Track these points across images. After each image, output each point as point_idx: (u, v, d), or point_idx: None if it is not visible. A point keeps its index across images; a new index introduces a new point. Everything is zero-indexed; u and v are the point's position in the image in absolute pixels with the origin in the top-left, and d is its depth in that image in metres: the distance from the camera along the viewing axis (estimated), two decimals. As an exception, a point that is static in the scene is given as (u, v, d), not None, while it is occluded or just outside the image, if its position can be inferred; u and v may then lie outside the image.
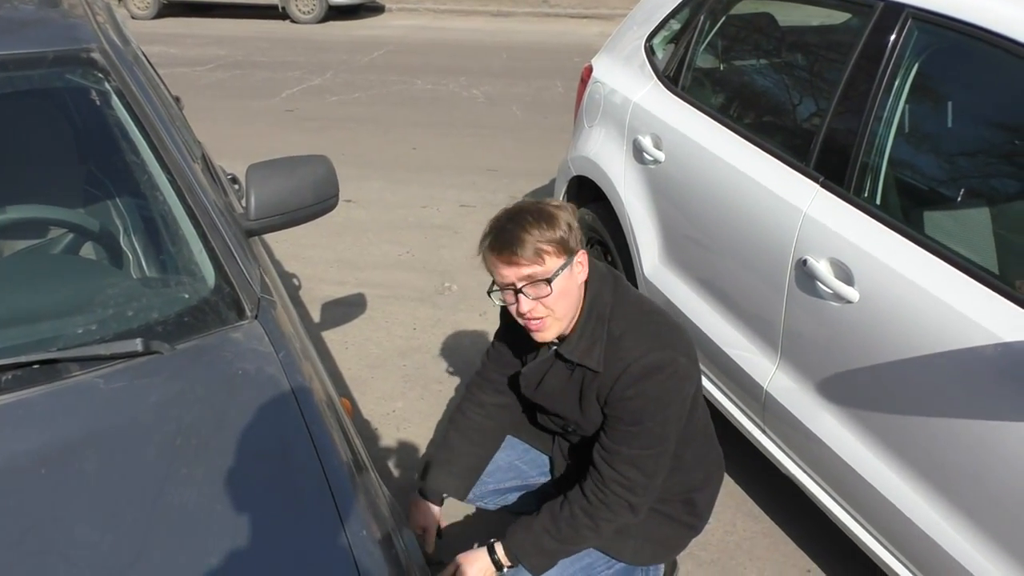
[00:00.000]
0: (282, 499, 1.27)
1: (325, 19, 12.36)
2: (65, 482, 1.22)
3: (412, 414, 3.03)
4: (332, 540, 1.22)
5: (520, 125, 6.86)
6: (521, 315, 1.68)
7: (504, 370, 2.00)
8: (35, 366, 1.39)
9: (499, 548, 1.78)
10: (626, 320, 1.72)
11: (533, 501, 2.07)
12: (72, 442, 1.29)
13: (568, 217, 1.68)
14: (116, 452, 1.28)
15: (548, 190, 5.21)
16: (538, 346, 1.85)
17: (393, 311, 3.76)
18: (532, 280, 1.64)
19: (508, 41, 10.89)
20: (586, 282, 1.74)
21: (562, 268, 1.65)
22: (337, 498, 1.28)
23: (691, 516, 1.92)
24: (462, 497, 2.01)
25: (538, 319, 1.68)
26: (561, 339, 1.77)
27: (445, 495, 1.99)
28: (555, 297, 1.65)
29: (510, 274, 1.65)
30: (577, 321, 1.74)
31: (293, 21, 12.29)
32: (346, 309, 3.77)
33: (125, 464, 1.26)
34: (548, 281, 1.63)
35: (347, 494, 1.29)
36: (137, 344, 1.45)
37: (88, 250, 1.83)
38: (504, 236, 1.64)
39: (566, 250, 1.65)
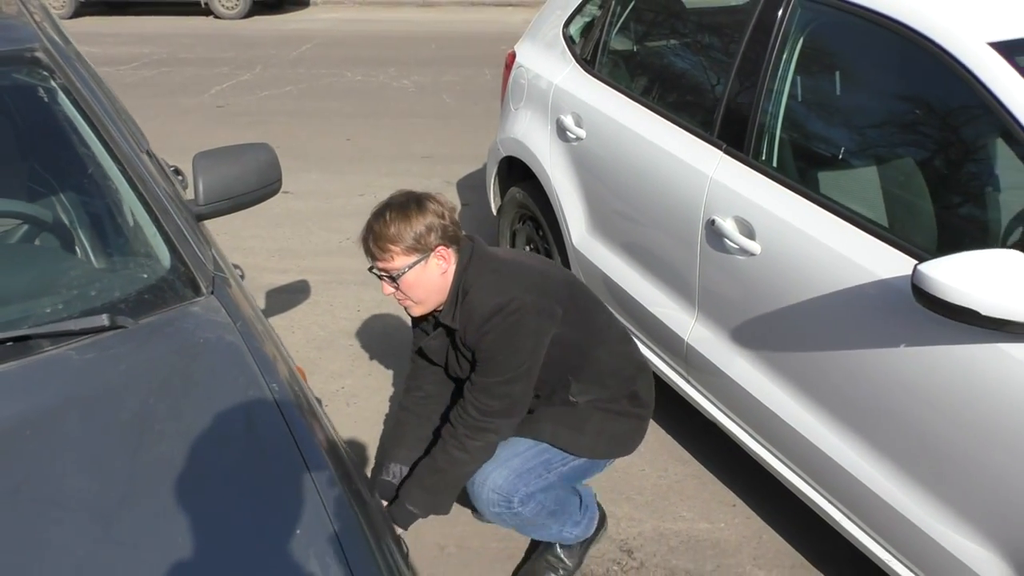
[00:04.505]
0: (249, 445, 1.41)
1: (250, 14, 12.24)
2: (51, 440, 1.34)
3: (360, 389, 3.17)
4: (296, 481, 1.36)
5: (451, 113, 7.00)
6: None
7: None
8: (9, 343, 1.50)
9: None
10: (474, 277, 1.97)
11: None
12: (53, 406, 1.40)
13: (431, 219, 1.91)
14: (95, 413, 1.40)
15: (481, 174, 5.36)
16: (434, 323, 2.10)
17: (337, 295, 3.88)
18: (384, 271, 1.93)
19: (436, 31, 10.98)
20: (457, 260, 1.97)
21: (410, 266, 1.90)
22: (300, 443, 1.42)
23: (639, 407, 2.15)
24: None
25: (400, 300, 1.99)
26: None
27: (394, 479, 2.13)
28: (406, 287, 1.94)
29: (371, 261, 1.95)
30: (449, 293, 1.99)
31: (217, 17, 12.14)
32: (290, 295, 3.87)
33: (104, 422, 1.39)
34: (393, 278, 1.92)
35: (307, 438, 1.43)
36: (104, 319, 1.57)
37: (48, 239, 1.93)
38: (366, 231, 1.93)
39: (418, 249, 1.90)
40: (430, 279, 1.94)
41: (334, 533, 1.29)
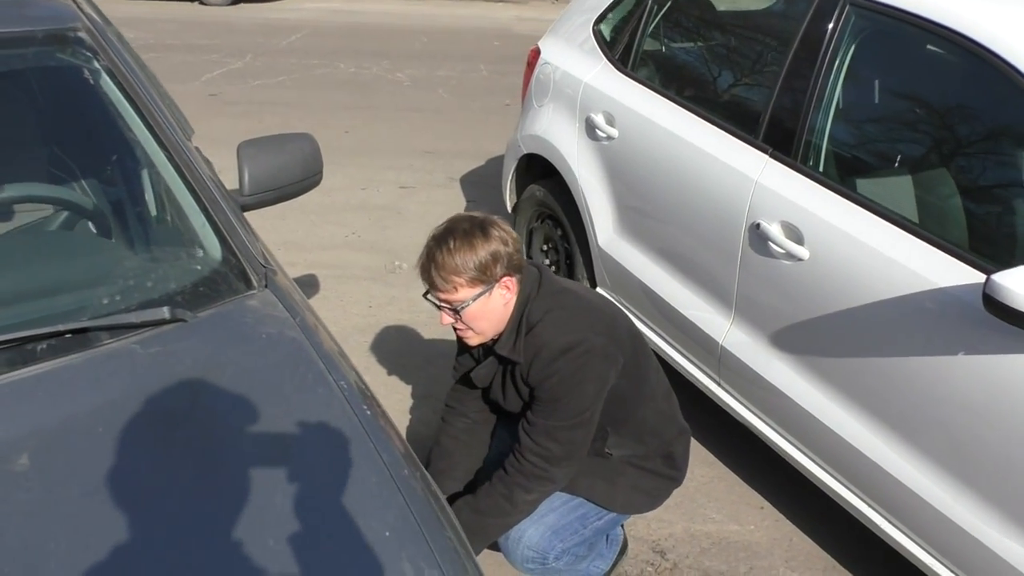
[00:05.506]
0: (325, 442, 1.37)
1: (235, 1, 12.06)
2: (125, 437, 1.29)
3: (378, 387, 3.10)
4: (377, 479, 1.33)
5: (449, 108, 6.94)
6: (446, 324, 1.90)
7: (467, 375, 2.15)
8: (68, 335, 1.45)
9: None
10: (542, 310, 1.88)
11: None
12: (121, 402, 1.35)
13: (496, 247, 1.81)
14: (166, 408, 1.36)
15: (484, 170, 5.34)
16: (484, 350, 2.02)
17: (347, 290, 3.83)
18: (446, 303, 1.84)
19: (425, 25, 10.89)
20: (519, 289, 1.89)
21: (475, 297, 1.82)
22: (373, 440, 1.39)
23: (672, 469, 2.11)
24: None
25: (459, 330, 1.90)
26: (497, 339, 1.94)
27: None
28: (469, 319, 1.85)
29: (428, 289, 1.86)
30: (509, 322, 1.90)
31: (202, 3, 11.91)
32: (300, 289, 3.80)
33: (178, 419, 1.35)
34: (457, 310, 1.83)
35: (380, 435, 1.41)
36: (164, 312, 1.52)
37: (94, 227, 1.86)
38: (427, 259, 1.83)
39: (483, 281, 1.81)
40: (493, 310, 1.85)
41: (420, 531, 1.29)
